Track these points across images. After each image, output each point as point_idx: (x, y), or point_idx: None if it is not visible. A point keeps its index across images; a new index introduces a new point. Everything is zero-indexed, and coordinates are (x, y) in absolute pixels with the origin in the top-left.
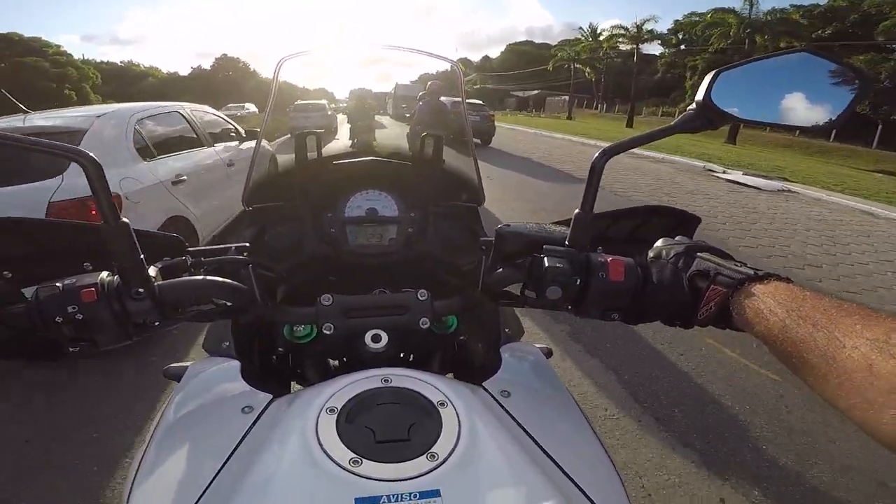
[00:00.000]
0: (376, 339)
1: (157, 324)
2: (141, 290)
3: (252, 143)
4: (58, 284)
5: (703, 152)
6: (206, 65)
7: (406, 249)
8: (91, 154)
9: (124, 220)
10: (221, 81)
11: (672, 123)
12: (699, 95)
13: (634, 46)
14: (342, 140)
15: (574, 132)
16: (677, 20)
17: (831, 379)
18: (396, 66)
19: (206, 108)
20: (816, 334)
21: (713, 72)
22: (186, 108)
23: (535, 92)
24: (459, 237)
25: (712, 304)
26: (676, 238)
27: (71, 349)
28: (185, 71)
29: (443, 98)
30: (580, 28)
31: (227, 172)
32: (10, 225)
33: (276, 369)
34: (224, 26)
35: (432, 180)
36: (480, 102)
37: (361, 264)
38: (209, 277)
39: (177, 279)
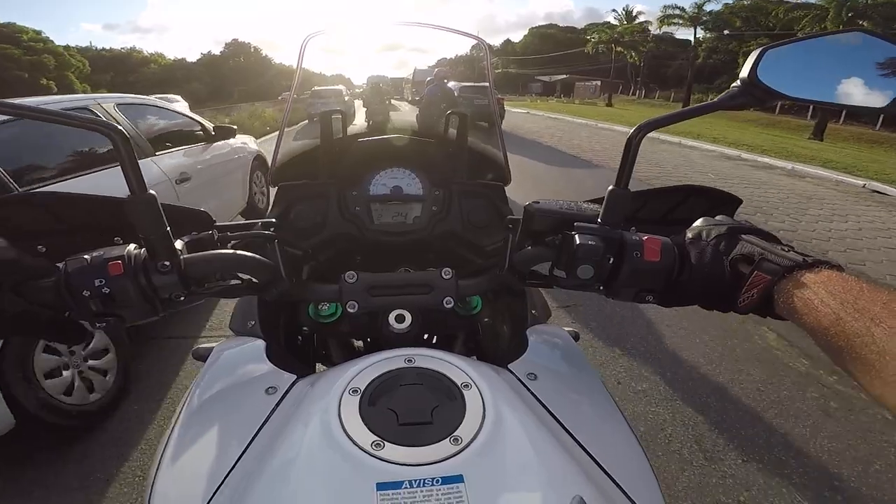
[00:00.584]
0: (400, 319)
1: (182, 298)
2: (167, 263)
3: (227, 142)
4: (85, 257)
5: (817, 157)
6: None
7: (430, 228)
8: (119, 126)
9: (151, 192)
10: (232, 69)
11: (715, 100)
12: (744, 72)
13: (668, 31)
14: (359, 124)
15: (634, 124)
16: (727, 3)
17: (886, 376)
18: (413, 52)
19: (153, 99)
20: (874, 329)
21: (759, 48)
22: (109, 102)
23: (563, 77)
24: (485, 216)
25: (755, 291)
26: (718, 217)
27: (98, 325)
28: (194, 57)
29: (450, 84)
30: (613, 10)
31: (175, 194)
32: (42, 199)
33: (301, 349)
34: (245, 15)
35: (457, 158)
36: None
37: (386, 243)
38: (235, 251)
39: (202, 252)
